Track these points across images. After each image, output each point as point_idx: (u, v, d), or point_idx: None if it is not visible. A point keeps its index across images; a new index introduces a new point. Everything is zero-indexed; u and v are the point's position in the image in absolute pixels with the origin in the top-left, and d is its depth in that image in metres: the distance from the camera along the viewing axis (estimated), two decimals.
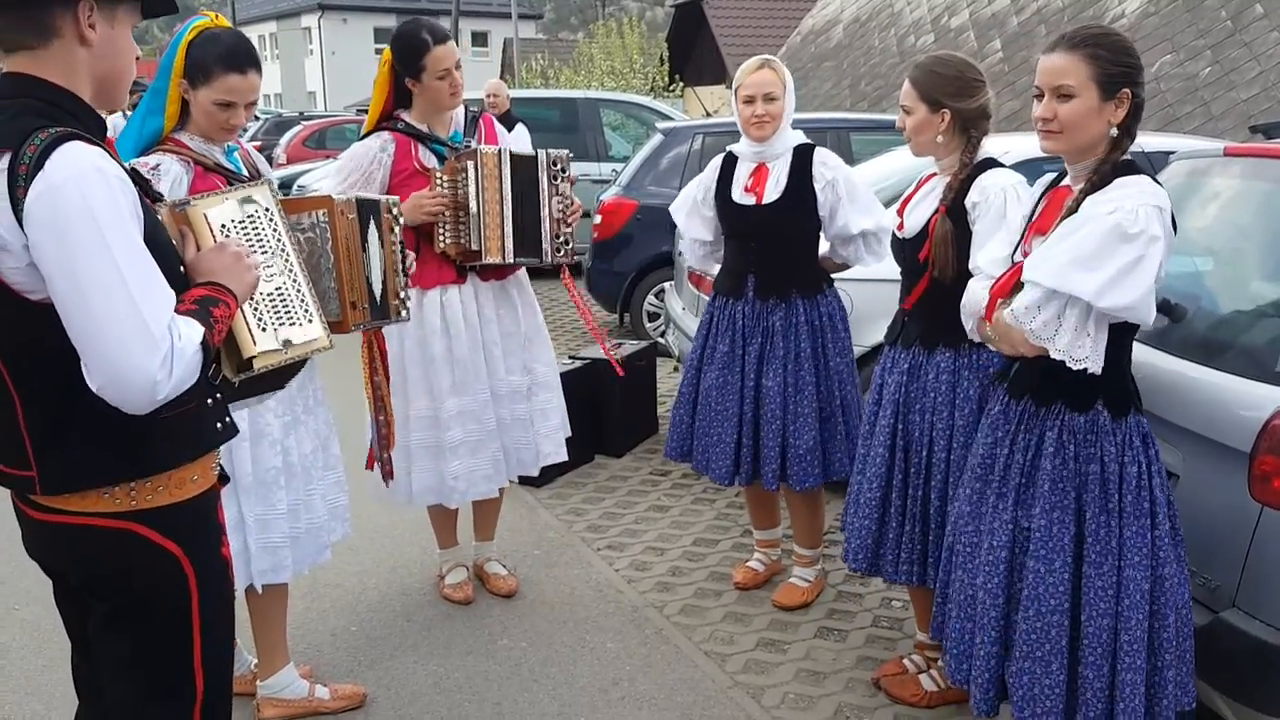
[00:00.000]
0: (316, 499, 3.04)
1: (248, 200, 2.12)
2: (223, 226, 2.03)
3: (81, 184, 1.62)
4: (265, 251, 2.11)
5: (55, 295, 1.64)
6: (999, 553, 2.45)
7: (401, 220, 2.84)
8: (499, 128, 3.78)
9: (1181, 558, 2.41)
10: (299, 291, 2.15)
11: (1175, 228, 2.32)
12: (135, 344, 1.63)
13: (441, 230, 3.48)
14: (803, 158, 3.64)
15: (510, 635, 3.69)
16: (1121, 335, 2.35)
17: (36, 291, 1.68)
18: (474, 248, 3.47)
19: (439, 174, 3.48)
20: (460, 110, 3.67)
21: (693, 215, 3.87)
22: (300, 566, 3.03)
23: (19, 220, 1.63)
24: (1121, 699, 2.30)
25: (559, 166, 3.58)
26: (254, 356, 2.01)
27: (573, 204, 3.63)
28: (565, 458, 3.91)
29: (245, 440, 2.84)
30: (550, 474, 4.94)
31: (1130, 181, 2.27)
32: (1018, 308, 2.31)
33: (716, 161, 3.84)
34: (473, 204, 3.43)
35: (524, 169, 3.54)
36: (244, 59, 2.72)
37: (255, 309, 2.04)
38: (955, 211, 2.93)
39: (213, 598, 1.90)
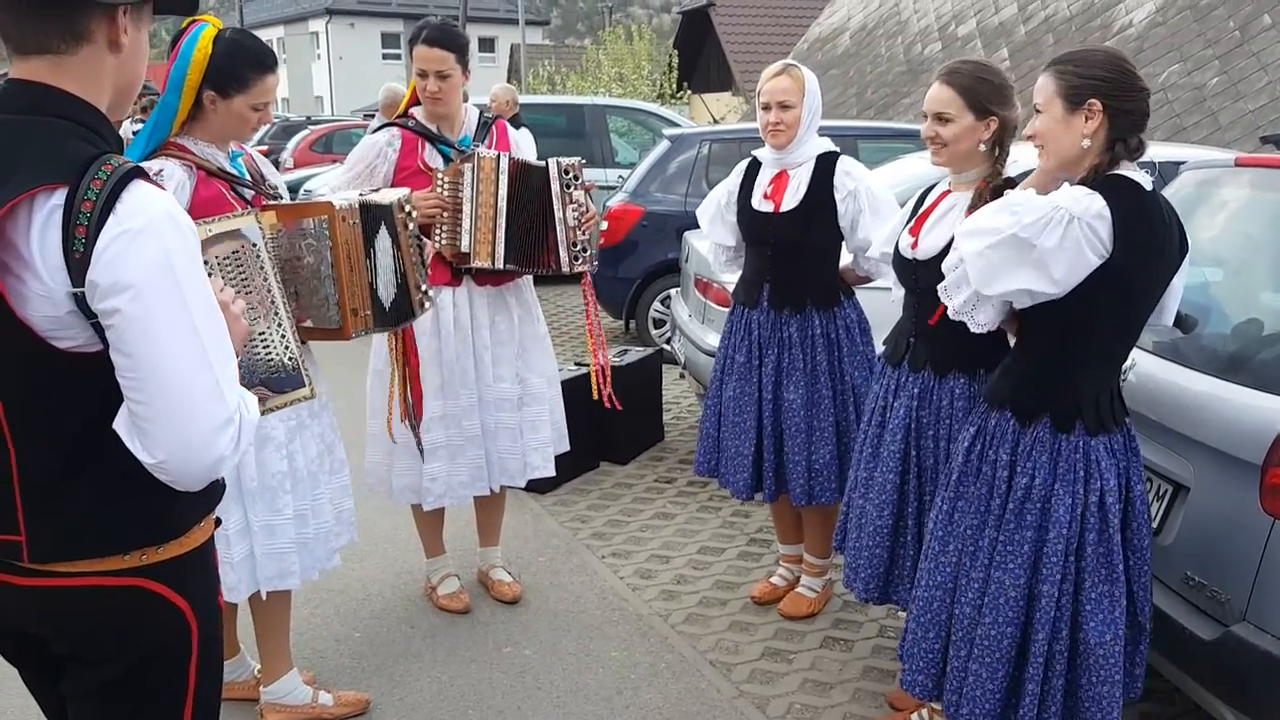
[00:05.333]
0: (324, 504, 3.03)
1: (233, 236, 2.02)
2: (206, 264, 1.89)
3: (160, 236, 1.46)
4: (250, 292, 2.01)
5: (126, 356, 1.47)
6: (934, 526, 2.71)
7: (415, 215, 2.85)
8: (512, 134, 3.76)
9: (1112, 579, 2.43)
10: (283, 338, 2.08)
11: (1128, 235, 2.29)
12: (209, 418, 1.49)
13: (439, 231, 3.47)
14: (825, 166, 3.56)
15: (514, 643, 3.67)
16: (1074, 347, 2.40)
17: (65, 340, 1.49)
18: (463, 250, 3.47)
19: (441, 175, 3.47)
20: (474, 114, 3.68)
21: (716, 220, 3.82)
22: (309, 573, 3.02)
23: (68, 264, 1.44)
24: (969, 683, 2.52)
25: (571, 174, 3.54)
26: None
27: (588, 211, 3.59)
28: (553, 472, 3.89)
29: (250, 445, 2.83)
30: (555, 481, 4.93)
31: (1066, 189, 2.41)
32: (945, 264, 2.50)
33: (741, 166, 3.79)
34: (466, 206, 3.43)
35: (534, 178, 3.53)
36: (271, 58, 2.80)
37: (241, 363, 1.92)
38: None
39: (209, 653, 1.73)
